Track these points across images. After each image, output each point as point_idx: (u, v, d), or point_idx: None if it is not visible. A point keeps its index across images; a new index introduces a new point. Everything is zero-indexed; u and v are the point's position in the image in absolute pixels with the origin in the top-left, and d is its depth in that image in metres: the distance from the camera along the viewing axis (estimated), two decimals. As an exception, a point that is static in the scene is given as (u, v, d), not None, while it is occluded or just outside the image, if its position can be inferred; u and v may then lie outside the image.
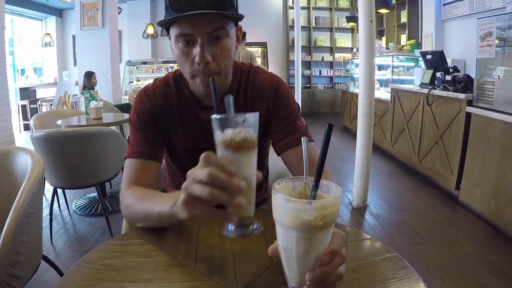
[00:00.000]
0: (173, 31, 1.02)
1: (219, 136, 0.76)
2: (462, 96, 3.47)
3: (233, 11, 1.01)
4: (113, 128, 3.39)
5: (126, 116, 4.27)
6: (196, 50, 0.99)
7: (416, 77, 5.07)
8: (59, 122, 3.63)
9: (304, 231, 0.59)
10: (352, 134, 6.62)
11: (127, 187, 1.10)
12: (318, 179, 0.63)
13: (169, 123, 1.20)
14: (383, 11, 7.70)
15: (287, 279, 0.67)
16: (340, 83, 10.27)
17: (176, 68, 1.25)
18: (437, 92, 3.96)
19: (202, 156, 0.71)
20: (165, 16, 1.02)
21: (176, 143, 1.23)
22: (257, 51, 9.78)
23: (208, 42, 1.00)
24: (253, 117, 0.76)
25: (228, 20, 1.02)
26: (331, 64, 10.65)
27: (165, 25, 1.03)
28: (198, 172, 0.70)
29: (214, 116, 0.76)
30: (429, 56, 4.47)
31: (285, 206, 0.59)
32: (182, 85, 1.21)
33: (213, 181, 0.68)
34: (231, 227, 0.80)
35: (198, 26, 0.97)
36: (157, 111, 1.19)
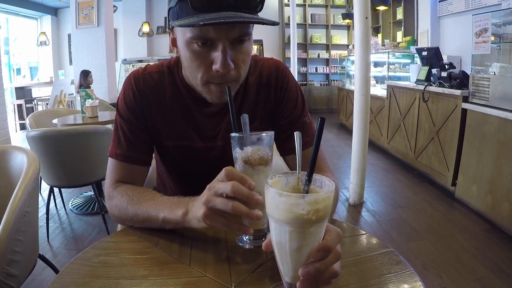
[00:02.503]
0: (186, 31, 0.88)
1: (238, 152, 0.82)
2: (458, 92, 3.48)
3: (260, 8, 0.90)
4: (109, 126, 3.38)
5: (122, 114, 4.24)
6: (217, 56, 0.87)
7: (412, 73, 5.08)
8: (55, 121, 3.62)
9: (297, 225, 0.59)
10: (349, 131, 6.63)
11: (115, 185, 1.05)
12: (311, 173, 0.63)
13: (157, 116, 1.09)
14: (382, 8, 7.70)
15: (281, 274, 0.67)
16: (336, 80, 10.29)
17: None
18: (433, 88, 3.97)
19: (224, 170, 0.75)
20: (175, 8, 0.89)
21: (165, 139, 1.12)
22: (252, 48, 9.79)
23: (230, 46, 0.88)
24: (268, 137, 0.82)
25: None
26: (327, 61, 10.68)
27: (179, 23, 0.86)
28: (221, 185, 0.73)
29: (233, 134, 0.82)
30: (425, 53, 4.48)
31: (278, 200, 0.59)
32: (176, 76, 1.09)
33: (236, 194, 0.71)
34: (246, 238, 0.87)
35: (222, 30, 0.85)
36: (144, 101, 1.08)
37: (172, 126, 1.11)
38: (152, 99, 1.09)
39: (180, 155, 1.14)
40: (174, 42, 0.99)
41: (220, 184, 0.74)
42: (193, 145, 1.12)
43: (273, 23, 0.86)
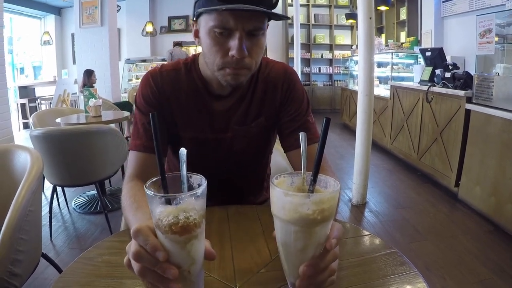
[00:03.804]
0: (209, 21, 0.98)
1: (151, 211, 0.62)
2: (461, 93, 3.47)
3: (274, 6, 1.00)
4: (112, 126, 3.39)
5: (126, 114, 4.26)
6: (234, 44, 0.96)
7: (416, 74, 5.06)
8: (58, 120, 3.63)
9: (303, 225, 0.59)
10: (352, 132, 6.62)
11: (130, 179, 1.08)
12: (316, 173, 0.63)
13: (175, 110, 1.17)
14: (383, 8, 7.69)
15: (285, 274, 0.67)
16: (340, 81, 10.26)
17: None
18: (437, 89, 3.96)
19: (132, 230, 0.63)
20: (201, 0, 0.99)
21: (181, 130, 1.19)
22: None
23: (246, 37, 0.98)
24: (197, 195, 0.62)
25: (265, 18, 1.00)
26: (330, 62, 10.65)
27: (203, 12, 0.98)
28: (131, 243, 0.64)
29: (146, 187, 0.62)
30: (428, 53, 4.47)
31: (283, 200, 0.59)
32: (193, 71, 1.18)
33: (140, 262, 0.61)
34: None
35: (240, 21, 0.95)
36: (163, 96, 1.16)
37: (188, 118, 1.18)
38: (169, 93, 1.17)
39: (193, 146, 1.18)
40: (196, 33, 1.08)
41: (132, 241, 0.64)
42: (205, 136, 1.19)
43: (285, 18, 1.01)
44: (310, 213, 0.58)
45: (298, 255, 0.62)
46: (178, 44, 8.08)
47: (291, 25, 9.71)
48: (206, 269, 0.78)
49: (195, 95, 1.17)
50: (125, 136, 6.03)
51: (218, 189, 1.21)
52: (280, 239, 0.64)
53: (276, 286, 0.73)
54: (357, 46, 4.65)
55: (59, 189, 3.48)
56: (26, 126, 8.17)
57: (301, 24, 9.70)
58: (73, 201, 3.62)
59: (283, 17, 1.00)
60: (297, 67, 9.36)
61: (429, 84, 4.11)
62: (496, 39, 3.28)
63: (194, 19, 1.06)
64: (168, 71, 1.18)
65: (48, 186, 3.57)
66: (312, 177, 0.63)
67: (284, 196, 0.59)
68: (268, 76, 1.21)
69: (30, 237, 1.39)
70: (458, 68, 3.99)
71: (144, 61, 9.91)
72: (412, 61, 6.04)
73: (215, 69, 1.03)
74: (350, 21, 9.77)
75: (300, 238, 0.61)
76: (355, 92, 4.93)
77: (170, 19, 10.35)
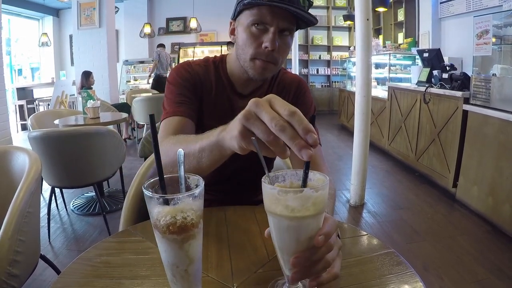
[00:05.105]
0: (249, 16, 1.10)
1: (149, 212, 0.62)
2: (459, 94, 3.48)
3: (308, 9, 1.12)
4: (111, 127, 3.39)
5: (124, 115, 4.27)
6: (268, 37, 1.09)
7: (413, 75, 5.07)
8: (56, 121, 3.63)
9: (294, 219, 0.61)
10: (350, 133, 6.63)
11: (164, 138, 1.04)
12: (307, 167, 0.64)
13: (205, 95, 1.26)
14: (381, 9, 7.71)
15: (281, 268, 0.68)
16: (338, 82, 10.28)
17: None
18: (434, 90, 3.97)
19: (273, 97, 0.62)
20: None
21: (205, 117, 1.26)
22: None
23: (278, 34, 1.10)
24: (195, 196, 0.62)
25: (295, 22, 1.12)
26: (328, 63, 10.67)
27: (246, 7, 1.09)
28: (268, 113, 0.59)
29: (144, 187, 0.61)
30: (426, 54, 4.48)
31: (274, 196, 0.61)
32: (221, 69, 1.29)
33: (281, 132, 0.57)
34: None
35: (276, 19, 1.07)
36: (197, 80, 1.25)
37: (213, 109, 1.27)
38: (201, 79, 1.26)
39: None
40: (233, 31, 1.21)
41: (266, 107, 0.60)
42: None
43: (313, 20, 1.10)
44: (301, 207, 0.60)
45: (291, 248, 0.64)
46: (161, 45, 8.53)
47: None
48: (204, 269, 0.79)
49: (221, 90, 1.28)
50: (123, 137, 6.03)
51: (220, 184, 1.27)
52: (273, 234, 0.66)
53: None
54: (354, 47, 4.67)
55: (57, 190, 3.48)
56: (24, 127, 8.16)
57: (299, 26, 9.71)
58: (72, 202, 3.61)
59: (311, 20, 1.10)
60: (295, 68, 9.38)
61: (426, 85, 4.12)
62: (493, 40, 3.29)
63: (234, 18, 1.19)
64: (199, 65, 1.29)
65: (46, 188, 3.57)
66: (304, 172, 0.64)
67: (274, 192, 0.61)
68: (283, 81, 1.35)
69: (29, 239, 1.39)
70: (455, 69, 4.01)
71: (142, 62, 9.91)
72: (409, 62, 6.05)
73: (247, 59, 1.14)
74: (348, 22, 9.80)
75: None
76: (353, 94, 4.94)
77: (168, 20, 10.36)
